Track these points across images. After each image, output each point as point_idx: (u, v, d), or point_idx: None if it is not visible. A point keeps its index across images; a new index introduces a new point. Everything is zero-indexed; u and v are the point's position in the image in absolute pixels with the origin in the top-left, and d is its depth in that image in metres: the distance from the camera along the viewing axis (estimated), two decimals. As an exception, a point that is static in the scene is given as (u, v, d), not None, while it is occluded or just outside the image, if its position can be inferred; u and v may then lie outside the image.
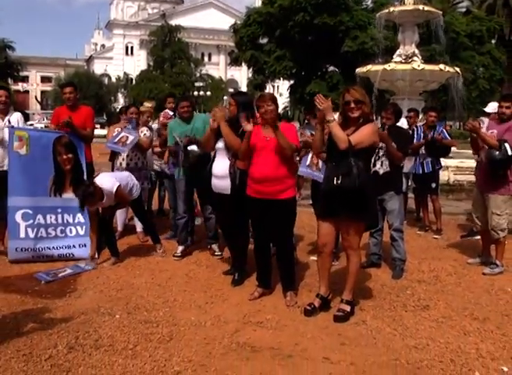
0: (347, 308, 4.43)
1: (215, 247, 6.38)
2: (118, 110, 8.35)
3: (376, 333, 4.11)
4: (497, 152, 5.52)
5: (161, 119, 7.46)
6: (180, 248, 6.26)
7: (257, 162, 4.65)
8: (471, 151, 7.18)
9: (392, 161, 5.59)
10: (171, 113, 7.38)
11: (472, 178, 8.53)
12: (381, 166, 5.62)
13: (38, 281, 5.22)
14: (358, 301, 4.73)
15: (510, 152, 5.48)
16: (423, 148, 7.70)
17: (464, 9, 37.37)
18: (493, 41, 34.71)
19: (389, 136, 5.48)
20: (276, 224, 4.74)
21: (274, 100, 4.70)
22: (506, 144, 5.49)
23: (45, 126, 27.49)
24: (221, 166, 5.21)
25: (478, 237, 6.61)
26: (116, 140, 6.44)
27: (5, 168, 5.96)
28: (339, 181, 4.17)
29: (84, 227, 6.10)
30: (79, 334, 3.96)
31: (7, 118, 6.09)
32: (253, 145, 4.67)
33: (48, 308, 4.50)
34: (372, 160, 5.72)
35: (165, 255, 6.26)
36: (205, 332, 4.08)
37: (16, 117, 6.20)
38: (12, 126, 5.98)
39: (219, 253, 6.30)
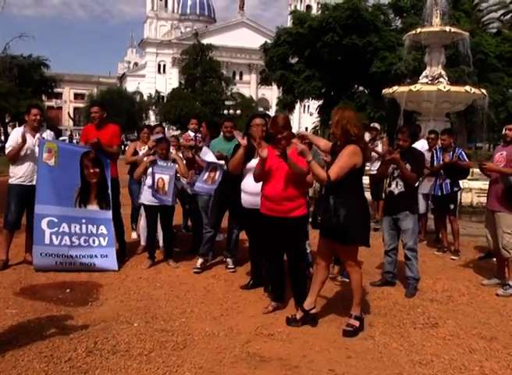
0: (356, 323, 4.55)
1: (229, 261, 6.55)
2: (144, 127, 8.44)
3: (383, 348, 4.23)
4: None
5: (182, 141, 7.54)
6: (200, 260, 6.42)
7: (271, 182, 4.81)
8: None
9: (407, 181, 5.72)
10: (192, 135, 7.54)
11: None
12: (396, 187, 5.76)
13: (62, 290, 5.47)
14: (369, 318, 4.85)
15: None
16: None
17: (494, 30, 37.07)
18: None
19: (403, 157, 5.62)
20: (287, 241, 4.91)
21: (286, 126, 4.84)
22: None
23: (77, 142, 28.02)
24: (253, 183, 5.26)
25: (496, 259, 6.63)
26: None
27: (34, 183, 6.21)
28: (319, 218, 4.49)
29: (107, 239, 6.33)
30: (98, 340, 4.17)
31: (38, 135, 6.33)
32: (268, 166, 4.81)
33: (70, 315, 4.74)
34: (388, 180, 5.92)
35: (178, 267, 6.47)
36: (218, 342, 4.24)
37: (45, 135, 6.44)
38: (43, 138, 6.29)
39: (232, 267, 6.48)
